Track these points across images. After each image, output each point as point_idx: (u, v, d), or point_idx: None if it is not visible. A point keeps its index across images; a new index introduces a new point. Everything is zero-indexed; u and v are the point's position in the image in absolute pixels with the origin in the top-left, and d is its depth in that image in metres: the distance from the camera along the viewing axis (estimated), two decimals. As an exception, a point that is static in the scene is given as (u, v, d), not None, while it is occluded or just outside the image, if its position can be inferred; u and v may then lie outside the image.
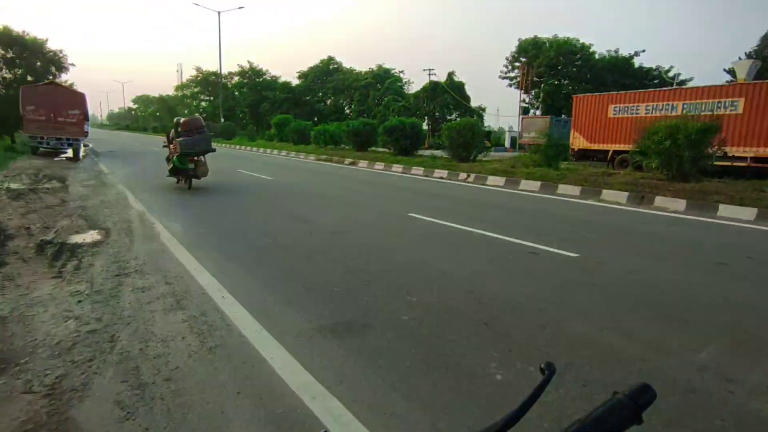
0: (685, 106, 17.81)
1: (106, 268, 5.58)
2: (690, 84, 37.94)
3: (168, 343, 3.60)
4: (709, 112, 15.96)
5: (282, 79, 64.35)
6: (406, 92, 58.29)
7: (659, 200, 10.24)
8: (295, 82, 64.79)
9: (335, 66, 65.18)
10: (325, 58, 65.32)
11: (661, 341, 3.47)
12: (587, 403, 2.47)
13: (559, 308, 4.07)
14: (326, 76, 64.26)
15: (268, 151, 31.80)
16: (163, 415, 2.72)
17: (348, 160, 22.46)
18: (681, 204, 9.71)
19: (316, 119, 53.42)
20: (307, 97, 62.82)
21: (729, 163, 15.45)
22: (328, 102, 66.06)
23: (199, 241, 6.77)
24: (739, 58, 37.67)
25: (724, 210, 8.93)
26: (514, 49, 50.13)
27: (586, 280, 4.81)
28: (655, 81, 41.88)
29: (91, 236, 7.24)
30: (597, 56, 45.38)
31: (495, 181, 14.20)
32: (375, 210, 8.94)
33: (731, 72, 37.52)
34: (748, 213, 8.63)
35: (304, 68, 65.28)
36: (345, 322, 3.87)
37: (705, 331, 3.64)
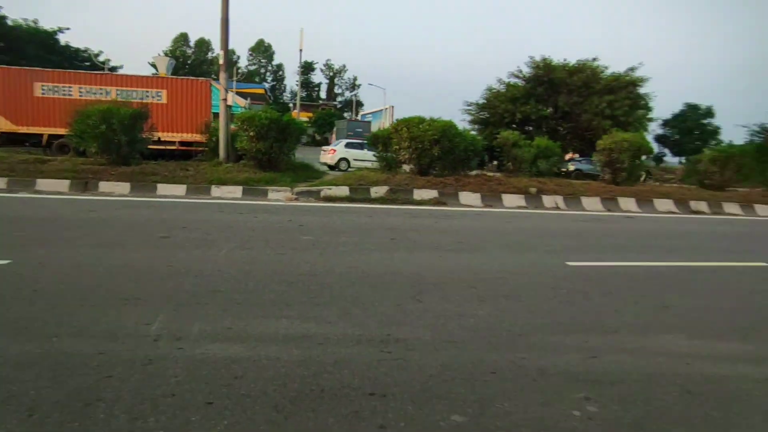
0: (118, 92, 18.12)
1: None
2: (121, 71, 39.03)
3: None
4: (140, 100, 17.00)
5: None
6: None
7: (104, 185, 10.08)
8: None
9: None
10: None
11: (116, 326, 3.38)
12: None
13: None
14: None
15: None
16: None
17: None
18: (125, 187, 9.94)
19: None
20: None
21: (162, 147, 17.15)
22: None
23: None
24: (159, 54, 42.08)
25: (162, 189, 9.86)
26: None
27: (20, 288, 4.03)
28: (87, 63, 40.32)
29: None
30: (10, 22, 38.51)
31: None
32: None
33: (154, 65, 41.41)
34: (180, 189, 9.92)
35: None
36: None
37: (154, 303, 3.83)
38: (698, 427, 2.59)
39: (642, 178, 19.66)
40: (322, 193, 11.22)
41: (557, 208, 12.18)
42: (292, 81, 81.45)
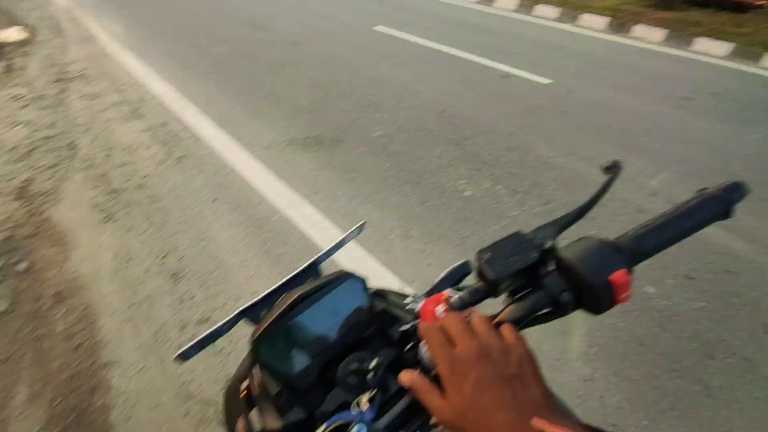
0: None
1: (43, 71, 5.05)
2: None
3: (132, 152, 3.50)
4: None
5: None
6: None
7: (639, 29, 9.86)
8: None
9: None
10: None
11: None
12: (548, 218, 2.68)
13: (527, 132, 4.15)
14: None
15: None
16: (143, 218, 2.78)
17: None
18: (659, 34, 9.42)
19: None
20: None
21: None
22: None
23: (144, 46, 6.10)
24: None
25: (700, 44, 8.78)
26: None
27: (555, 107, 4.84)
28: None
29: (15, 33, 6.37)
30: None
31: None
32: (339, 21, 8.18)
33: None
34: (723, 48, 8.55)
35: None
36: (315, 136, 3.83)
37: (660, 160, 3.87)
38: None
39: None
40: None
41: None
42: None
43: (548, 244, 0.60)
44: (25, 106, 4.15)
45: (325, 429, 0.56)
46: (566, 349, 2.12)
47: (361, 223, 0.92)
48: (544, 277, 0.58)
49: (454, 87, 5.16)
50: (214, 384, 1.88)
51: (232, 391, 0.82)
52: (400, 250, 2.63)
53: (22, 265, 2.39)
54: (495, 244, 0.61)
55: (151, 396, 1.82)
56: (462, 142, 3.88)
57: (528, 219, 2.92)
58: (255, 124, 4.01)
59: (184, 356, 0.70)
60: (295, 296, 0.69)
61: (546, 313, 0.60)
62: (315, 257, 0.86)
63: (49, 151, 3.43)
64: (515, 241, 0.61)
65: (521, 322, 0.59)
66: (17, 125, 3.79)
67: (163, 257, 2.49)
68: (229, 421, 0.81)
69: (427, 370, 0.55)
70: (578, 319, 2.25)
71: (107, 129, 3.82)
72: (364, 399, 0.60)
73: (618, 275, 0.54)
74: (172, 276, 2.37)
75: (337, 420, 0.58)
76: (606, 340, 2.16)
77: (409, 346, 0.69)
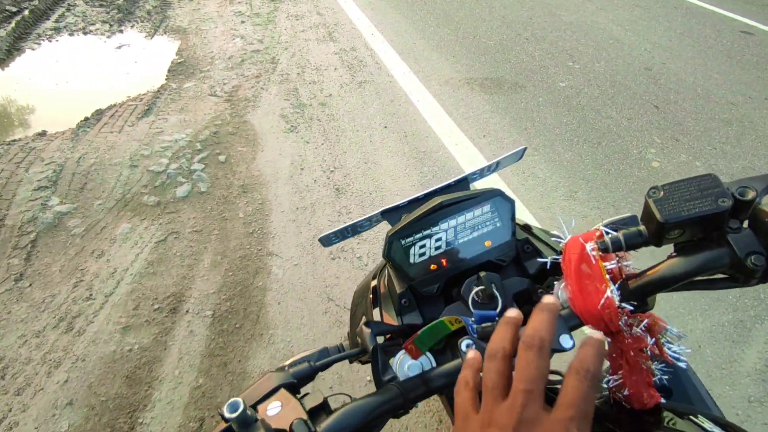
0: None
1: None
2: None
3: (321, 72, 3.75)
4: None
5: None
6: None
7: None
8: None
9: None
10: None
11: None
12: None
13: (758, 106, 3.35)
14: None
15: None
16: (320, 134, 3.00)
17: None
18: None
19: None
20: None
21: None
22: None
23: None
24: None
25: None
26: None
27: (807, 77, 3.78)
28: None
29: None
30: None
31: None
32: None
33: None
34: None
35: None
36: (495, 78, 3.63)
37: None
38: None
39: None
40: None
41: None
42: None
43: (749, 196, 0.45)
44: (243, 22, 4.70)
45: (446, 318, 0.54)
46: (735, 360, 1.77)
47: (522, 147, 0.82)
48: (730, 233, 0.45)
49: (670, 40, 4.35)
50: (351, 295, 2.02)
51: (360, 291, 0.84)
52: (561, 210, 2.41)
53: (222, 157, 2.79)
54: (676, 182, 0.48)
55: (299, 289, 2.04)
56: (664, 105, 3.30)
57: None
58: (437, 58, 3.95)
59: (326, 241, 0.72)
60: (439, 201, 0.65)
61: (719, 277, 0.47)
62: (468, 172, 0.80)
63: (256, 63, 3.87)
64: (704, 183, 0.46)
65: (682, 281, 0.47)
66: (236, 38, 4.33)
67: (331, 171, 2.67)
68: (354, 317, 0.84)
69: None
70: (764, 331, 1.85)
71: (304, 48, 4.14)
72: (485, 324, 0.56)
73: None
74: (335, 190, 2.55)
75: (455, 314, 0.54)
76: (805, 370, 1.74)
77: (543, 285, 0.62)
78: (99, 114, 3.17)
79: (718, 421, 0.54)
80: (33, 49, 4.21)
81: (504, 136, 2.96)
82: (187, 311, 1.95)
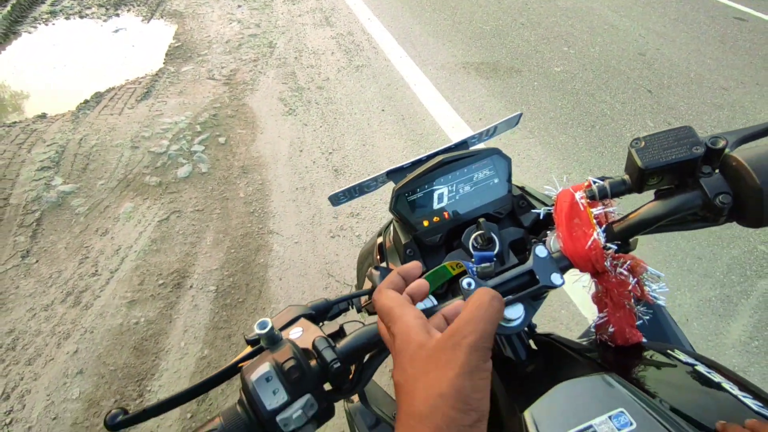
0: None
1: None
2: None
3: (319, 56, 3.77)
4: None
5: None
6: None
7: None
8: None
9: None
10: None
11: None
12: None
13: (748, 90, 3.41)
14: None
15: None
16: (318, 116, 3.04)
17: None
18: None
19: None
20: None
21: None
22: None
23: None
24: None
25: None
26: None
27: (798, 63, 3.84)
28: None
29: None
30: None
31: None
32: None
33: None
34: None
35: None
36: (491, 63, 3.67)
37: None
38: None
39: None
40: None
41: None
42: None
43: (719, 145, 0.51)
44: (240, 6, 4.70)
45: (448, 263, 0.59)
46: (721, 332, 1.85)
47: (517, 113, 0.88)
48: (702, 177, 0.50)
49: (664, 26, 4.40)
50: (352, 270, 2.07)
51: (366, 250, 0.90)
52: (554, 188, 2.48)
53: (222, 139, 2.83)
54: (656, 133, 0.54)
55: (300, 266, 2.09)
56: (658, 90, 3.36)
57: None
58: (433, 43, 3.97)
59: (335, 200, 0.78)
60: (441, 159, 0.71)
61: (693, 218, 0.54)
62: (467, 136, 0.85)
63: (253, 47, 3.88)
64: (681, 134, 0.53)
65: (659, 222, 0.53)
66: (232, 22, 4.33)
67: (330, 153, 2.72)
68: (360, 274, 0.90)
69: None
70: (749, 306, 1.92)
71: (301, 33, 4.16)
72: (484, 265, 0.62)
73: None
74: (334, 171, 2.60)
75: (456, 259, 0.60)
76: (785, 340, 1.82)
77: (538, 236, 0.68)
78: (98, 97, 3.19)
79: (691, 354, 0.60)
80: (29, 33, 4.20)
81: (500, 118, 3.00)
82: (191, 286, 2.01)
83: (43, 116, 2.99)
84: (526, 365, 0.68)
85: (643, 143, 0.55)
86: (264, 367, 0.45)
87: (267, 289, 2.00)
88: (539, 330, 0.76)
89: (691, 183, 0.53)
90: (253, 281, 2.04)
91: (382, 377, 1.64)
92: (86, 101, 3.14)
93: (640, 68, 3.64)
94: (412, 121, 2.97)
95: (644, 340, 0.65)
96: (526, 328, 0.72)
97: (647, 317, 0.63)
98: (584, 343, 0.72)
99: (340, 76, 3.48)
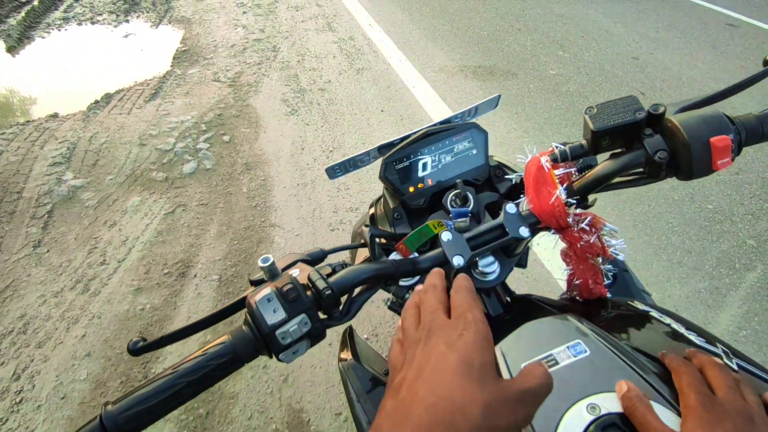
0: None
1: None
2: None
3: (321, 59, 3.87)
4: None
5: None
6: None
7: None
8: None
9: None
10: None
11: None
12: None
13: (740, 95, 3.45)
14: None
15: None
16: (320, 117, 3.13)
17: None
18: None
19: None
20: None
21: None
22: None
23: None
24: None
25: None
26: None
27: (790, 67, 3.92)
28: None
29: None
30: None
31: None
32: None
33: None
34: None
35: None
36: (488, 66, 3.76)
37: None
38: None
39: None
40: None
41: None
42: None
43: (659, 110, 0.59)
44: (245, 12, 4.83)
45: (430, 221, 0.67)
46: (710, 322, 1.91)
47: (496, 95, 0.96)
48: (645, 138, 0.59)
49: (658, 32, 4.49)
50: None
51: (359, 224, 0.98)
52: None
53: (226, 137, 2.92)
54: (606, 102, 0.62)
55: (301, 256, 2.17)
56: (650, 92, 3.44)
57: (699, 191, 2.56)
58: (432, 47, 4.08)
59: (331, 172, 0.85)
60: (425, 130, 0.79)
61: (638, 176, 0.62)
62: (449, 116, 0.94)
63: (257, 51, 3.99)
64: (628, 102, 0.61)
65: (612, 179, 0.61)
66: (238, 27, 4.45)
67: (330, 151, 2.81)
68: (354, 255, 0.98)
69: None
70: (738, 297, 1.98)
71: (304, 38, 4.27)
72: (460, 219, 0.70)
73: (719, 139, 0.54)
74: (334, 168, 2.68)
75: (436, 218, 0.68)
76: (765, 327, 1.88)
77: (515, 201, 0.76)
78: (108, 97, 3.30)
79: (649, 305, 0.68)
80: (43, 38, 4.33)
81: (496, 120, 3.09)
82: (195, 275, 2.09)
83: (56, 116, 3.10)
84: (503, 317, 0.75)
85: (595, 110, 0.64)
86: (266, 290, 0.53)
87: (268, 278, 2.07)
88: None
89: (637, 145, 0.61)
90: (255, 271, 2.11)
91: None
92: (96, 102, 3.24)
93: (634, 72, 3.72)
94: (411, 122, 3.06)
95: (609, 295, 0.72)
96: (503, 289, 0.79)
97: (611, 274, 0.71)
98: (557, 300, 0.79)
99: (341, 78, 3.58)
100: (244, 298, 0.60)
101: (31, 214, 2.35)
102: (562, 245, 0.70)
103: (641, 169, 0.63)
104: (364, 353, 0.97)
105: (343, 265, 0.79)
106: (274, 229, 2.31)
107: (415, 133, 0.88)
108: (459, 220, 0.68)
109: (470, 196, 0.75)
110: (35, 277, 2.07)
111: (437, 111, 3.15)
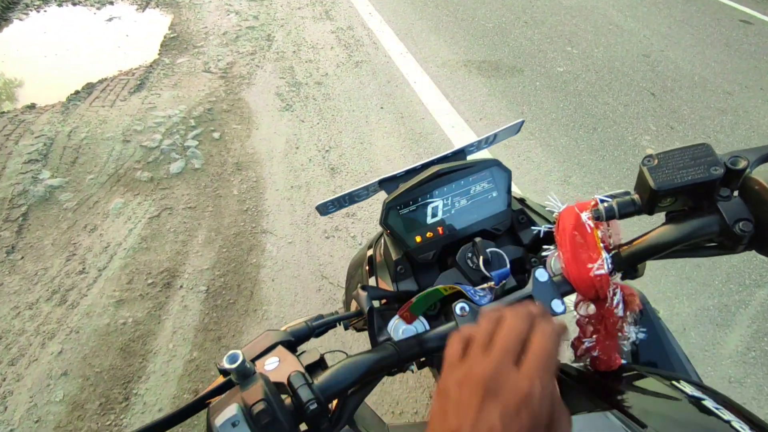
0: None
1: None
2: None
3: (318, 50, 3.70)
4: None
5: None
6: None
7: None
8: None
9: None
10: None
11: None
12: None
13: (753, 95, 3.36)
14: None
15: None
16: (316, 113, 2.98)
17: None
18: None
19: None
20: None
21: None
22: None
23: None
24: None
25: None
26: None
27: (802, 68, 3.80)
28: None
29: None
30: None
31: None
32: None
33: None
34: None
35: None
36: (493, 61, 3.61)
37: None
38: None
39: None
40: None
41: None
42: None
43: (740, 165, 0.46)
44: (239, -3, 4.62)
45: (441, 286, 0.55)
46: (718, 342, 1.82)
47: (519, 121, 0.83)
48: (720, 201, 0.46)
49: (670, 28, 4.35)
50: (345, 273, 2.03)
51: (356, 261, 0.85)
52: (555, 194, 2.43)
53: (216, 134, 2.77)
54: (670, 151, 0.49)
55: (293, 267, 2.04)
56: (660, 93, 3.31)
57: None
58: (434, 40, 3.91)
59: (323, 209, 0.73)
60: (437, 170, 0.66)
61: (707, 245, 0.49)
62: (466, 144, 0.80)
63: (251, 40, 3.81)
64: (698, 152, 0.48)
65: (671, 248, 0.49)
66: (230, 13, 4.25)
67: (326, 151, 2.66)
68: (349, 287, 0.85)
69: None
70: (747, 315, 1.89)
71: (300, 26, 4.08)
72: (485, 285, 0.57)
73: None
74: (330, 169, 2.54)
75: (457, 285, 0.55)
76: (785, 353, 1.79)
77: (537, 255, 0.64)
78: (90, 88, 3.12)
79: (698, 386, 0.56)
80: (21, 20, 4.12)
81: (501, 119, 2.95)
82: (181, 286, 1.96)
83: (32, 107, 2.92)
84: None
85: (656, 161, 0.51)
86: (231, 410, 0.41)
87: (259, 291, 1.95)
88: None
89: (708, 206, 0.48)
90: (245, 282, 1.99)
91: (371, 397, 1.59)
92: (77, 92, 3.07)
93: (644, 70, 3.58)
94: (411, 120, 2.92)
95: (624, 362, 0.62)
96: None
97: (641, 336, 0.59)
98: (574, 365, 0.68)
99: (339, 71, 3.41)
100: (205, 400, 0.47)
101: (4, 217, 2.20)
102: (587, 311, 0.59)
103: (710, 239, 0.50)
104: (359, 415, 0.85)
105: (337, 320, 0.66)
106: (265, 236, 2.18)
107: (423, 167, 0.75)
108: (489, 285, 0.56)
109: (504, 257, 0.62)
110: (8, 286, 1.94)
111: (439, 109, 3.01)
